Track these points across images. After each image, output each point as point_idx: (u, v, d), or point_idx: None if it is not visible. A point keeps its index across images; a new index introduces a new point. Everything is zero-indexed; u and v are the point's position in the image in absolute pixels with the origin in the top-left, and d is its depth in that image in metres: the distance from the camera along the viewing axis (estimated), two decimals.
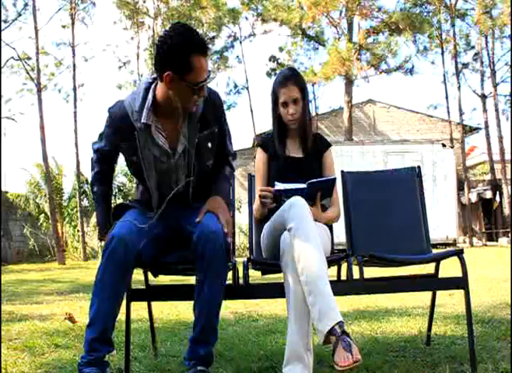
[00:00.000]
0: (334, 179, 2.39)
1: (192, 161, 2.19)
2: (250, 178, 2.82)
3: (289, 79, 2.51)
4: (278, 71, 23.94)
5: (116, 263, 2.03)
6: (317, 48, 23.31)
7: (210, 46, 23.32)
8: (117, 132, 2.19)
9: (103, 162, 2.34)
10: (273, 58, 24.48)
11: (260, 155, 2.63)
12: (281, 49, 24.15)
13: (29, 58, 16.83)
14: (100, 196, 2.36)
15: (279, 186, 2.30)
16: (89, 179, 11.34)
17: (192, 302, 2.14)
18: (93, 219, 15.85)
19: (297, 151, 2.59)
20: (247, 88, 23.65)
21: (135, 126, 2.12)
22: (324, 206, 2.43)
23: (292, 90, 2.48)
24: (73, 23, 17.03)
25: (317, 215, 2.32)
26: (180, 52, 1.95)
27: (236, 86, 24.54)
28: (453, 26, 19.54)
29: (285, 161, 2.56)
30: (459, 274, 2.24)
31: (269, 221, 2.36)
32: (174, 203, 2.24)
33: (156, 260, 2.24)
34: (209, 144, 2.22)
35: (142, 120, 2.10)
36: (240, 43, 23.55)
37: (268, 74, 24.57)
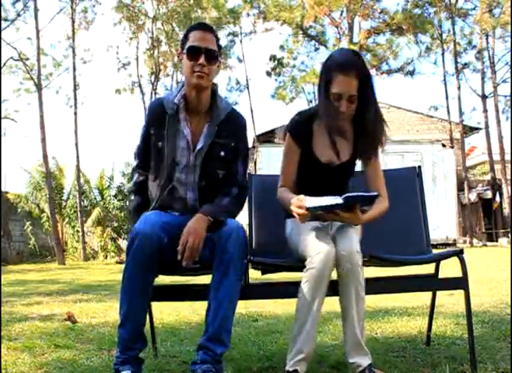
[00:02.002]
0: (377, 196, 2.11)
1: (201, 159, 2.24)
2: (251, 178, 2.81)
3: (352, 68, 2.09)
4: (281, 70, 24.05)
5: (142, 259, 2.03)
6: (318, 48, 23.35)
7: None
8: (150, 118, 2.33)
9: (142, 166, 2.38)
10: (273, 58, 24.47)
11: (292, 145, 2.29)
12: (282, 47, 24.16)
13: (27, 59, 16.85)
14: (136, 206, 2.39)
15: (311, 202, 2.04)
16: (91, 181, 11.12)
17: (192, 303, 2.14)
18: (92, 219, 15.87)
19: (343, 155, 2.28)
20: (248, 88, 23.67)
21: (167, 112, 2.27)
22: (365, 210, 2.18)
23: (351, 84, 2.09)
24: (73, 23, 17.06)
25: (357, 220, 2.13)
26: (185, 33, 2.30)
27: (238, 83, 24.51)
28: (453, 24, 19.56)
29: (320, 167, 2.27)
30: (459, 274, 2.24)
31: (301, 232, 2.22)
32: (184, 212, 2.27)
33: (166, 259, 2.19)
34: (222, 153, 2.28)
35: (174, 101, 2.26)
36: (241, 42, 23.56)
37: (268, 74, 24.56)
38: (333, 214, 2.10)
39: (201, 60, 2.19)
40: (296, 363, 2.06)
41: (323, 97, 2.20)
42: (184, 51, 2.23)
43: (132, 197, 2.43)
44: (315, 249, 2.06)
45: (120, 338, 2.07)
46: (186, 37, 2.26)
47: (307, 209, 2.03)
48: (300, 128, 2.29)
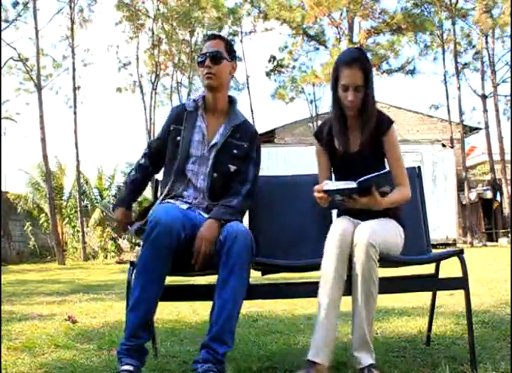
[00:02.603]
0: (388, 172, 2.25)
1: (215, 152, 2.39)
2: None
3: (356, 61, 2.29)
4: (280, 71, 24.06)
5: (161, 249, 2.06)
6: (318, 48, 23.34)
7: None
8: (172, 116, 2.54)
9: (150, 156, 2.58)
10: (273, 59, 24.47)
11: (317, 146, 2.52)
12: (282, 49, 24.18)
13: (27, 59, 16.85)
14: (131, 180, 2.58)
15: (329, 185, 2.21)
16: (90, 181, 11.32)
17: (192, 303, 2.14)
18: (92, 219, 15.89)
19: (355, 143, 2.41)
20: (248, 88, 23.66)
21: (186, 110, 2.49)
22: (386, 192, 2.29)
23: (356, 75, 2.28)
24: (72, 23, 17.07)
25: (375, 203, 2.21)
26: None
27: (236, 81, 24.52)
28: (453, 24, 19.56)
29: (340, 156, 2.43)
30: (459, 274, 2.24)
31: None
32: (194, 207, 2.36)
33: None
34: (235, 151, 2.42)
35: (194, 98, 2.52)
36: (241, 41, 23.56)
37: (268, 75, 24.56)
38: (352, 200, 2.19)
39: (207, 62, 2.40)
40: (315, 355, 2.06)
41: (333, 92, 2.39)
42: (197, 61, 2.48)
43: (133, 173, 2.58)
44: (332, 232, 2.16)
45: (130, 322, 2.07)
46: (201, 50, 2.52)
47: (325, 192, 2.17)
48: (321, 128, 2.51)
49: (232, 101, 2.54)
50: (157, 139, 2.59)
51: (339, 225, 2.19)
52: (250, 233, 2.18)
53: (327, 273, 2.12)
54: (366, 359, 2.09)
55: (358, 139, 2.42)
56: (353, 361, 2.13)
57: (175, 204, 2.32)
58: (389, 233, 2.27)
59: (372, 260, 2.08)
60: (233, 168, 2.41)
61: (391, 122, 2.42)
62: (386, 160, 2.45)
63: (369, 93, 2.35)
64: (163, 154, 2.51)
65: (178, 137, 2.44)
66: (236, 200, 2.35)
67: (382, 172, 2.21)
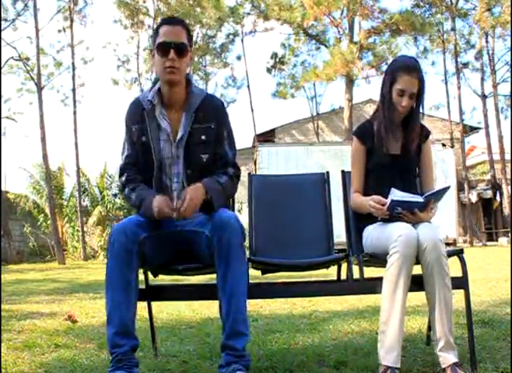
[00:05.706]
0: (449, 187, 2.34)
1: (183, 148, 2.25)
2: (251, 178, 2.82)
3: (415, 71, 2.37)
4: (282, 69, 24.08)
5: (119, 250, 2.05)
6: (319, 47, 23.35)
7: (210, 44, 22.94)
8: (129, 117, 2.34)
9: (131, 167, 2.34)
10: (275, 55, 24.49)
11: (357, 145, 2.51)
12: (283, 46, 24.21)
13: (28, 59, 16.86)
14: (130, 192, 2.29)
15: (396, 195, 2.23)
16: (91, 180, 11.17)
17: (192, 303, 2.13)
18: (92, 219, 15.89)
19: (397, 146, 2.48)
20: (248, 87, 23.66)
21: (145, 108, 2.28)
22: (432, 208, 2.38)
23: (414, 83, 2.37)
24: (71, 23, 17.07)
25: (427, 218, 2.31)
26: (155, 28, 2.29)
27: (234, 79, 24.56)
28: (453, 24, 19.55)
29: (384, 158, 2.46)
30: (459, 274, 2.24)
31: (379, 229, 2.34)
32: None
33: (157, 259, 2.22)
34: (203, 137, 2.27)
35: (148, 98, 2.27)
36: (242, 41, 23.57)
37: (269, 71, 24.57)
38: (411, 214, 2.25)
39: (171, 55, 2.18)
40: (390, 358, 2.10)
41: (385, 95, 2.43)
42: (155, 47, 2.23)
43: (125, 174, 2.34)
44: (397, 233, 2.13)
45: (108, 336, 2.04)
46: (156, 33, 2.25)
47: (391, 202, 2.21)
48: (364, 128, 2.54)
49: (188, 82, 2.33)
50: (129, 148, 2.34)
51: (402, 226, 2.18)
52: (236, 216, 2.11)
53: (399, 273, 2.10)
54: (450, 358, 2.10)
55: (399, 143, 2.48)
56: (438, 360, 2.14)
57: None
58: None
59: (443, 256, 2.12)
60: (205, 157, 2.27)
61: (429, 132, 2.55)
62: (418, 167, 2.54)
63: (421, 103, 2.43)
64: (138, 158, 2.33)
65: (144, 137, 2.27)
66: (225, 177, 2.26)
67: (445, 186, 2.30)
